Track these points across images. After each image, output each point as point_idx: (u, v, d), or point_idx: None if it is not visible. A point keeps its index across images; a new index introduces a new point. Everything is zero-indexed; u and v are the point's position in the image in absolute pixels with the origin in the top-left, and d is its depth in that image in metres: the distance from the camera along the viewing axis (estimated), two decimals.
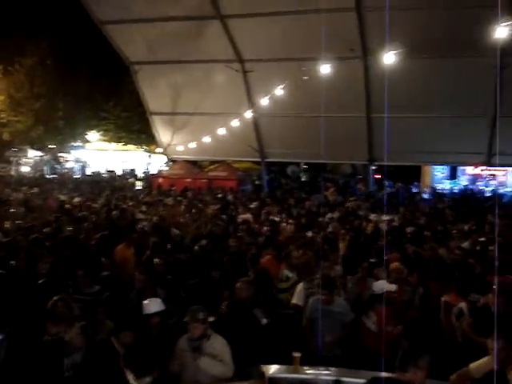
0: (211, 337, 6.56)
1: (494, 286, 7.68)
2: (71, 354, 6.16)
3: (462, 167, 32.15)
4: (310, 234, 13.01)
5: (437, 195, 26.97)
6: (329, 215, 16.24)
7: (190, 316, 6.52)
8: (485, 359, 5.99)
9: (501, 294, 7.33)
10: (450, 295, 7.98)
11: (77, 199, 20.14)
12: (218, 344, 6.55)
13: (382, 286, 8.03)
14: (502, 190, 29.47)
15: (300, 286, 8.88)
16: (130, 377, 6.01)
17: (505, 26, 10.59)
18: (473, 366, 5.99)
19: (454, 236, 12.84)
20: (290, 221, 15.20)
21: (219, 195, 22.82)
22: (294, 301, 8.81)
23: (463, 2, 18.68)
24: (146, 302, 7.24)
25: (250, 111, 23.57)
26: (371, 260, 9.89)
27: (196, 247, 11.18)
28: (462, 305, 7.63)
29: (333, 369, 6.49)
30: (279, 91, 20.62)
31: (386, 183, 29.34)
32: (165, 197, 22.01)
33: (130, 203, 19.21)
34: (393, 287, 8.06)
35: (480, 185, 30.52)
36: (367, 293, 8.78)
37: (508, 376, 5.57)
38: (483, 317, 6.97)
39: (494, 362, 5.76)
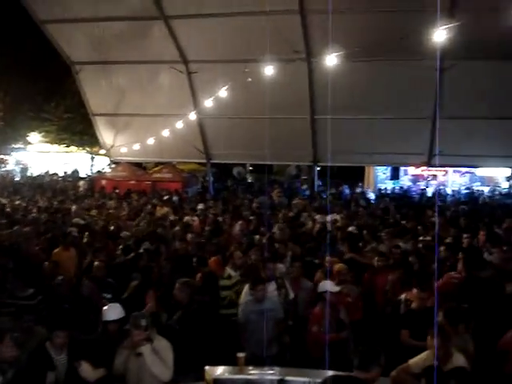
0: (155, 340, 6.52)
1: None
2: (5, 371, 5.84)
3: (403, 168, 32.80)
4: (256, 235, 13.04)
5: (379, 195, 27.42)
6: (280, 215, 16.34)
7: (132, 323, 6.45)
8: (423, 355, 6.16)
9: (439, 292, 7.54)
10: (410, 292, 8.15)
11: (17, 202, 19.66)
12: (161, 346, 6.51)
13: (329, 286, 8.12)
14: (442, 190, 30.20)
15: (246, 287, 8.89)
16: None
17: (444, 29, 10.82)
18: (412, 361, 6.15)
19: (394, 235, 13.04)
20: (240, 222, 15.18)
21: (165, 197, 22.61)
22: (241, 301, 8.84)
23: (404, 5, 19.10)
24: (105, 308, 7.14)
25: (195, 112, 23.47)
26: (306, 259, 10.03)
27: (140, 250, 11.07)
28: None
29: (277, 368, 6.53)
30: (224, 92, 20.61)
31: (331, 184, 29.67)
32: (108, 199, 21.69)
33: (72, 206, 18.86)
34: (336, 288, 8.14)
35: (421, 185, 31.20)
36: (302, 293, 8.89)
37: (443, 371, 5.73)
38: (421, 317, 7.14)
39: (432, 357, 5.94)
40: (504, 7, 10.88)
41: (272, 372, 6.46)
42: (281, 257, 10.41)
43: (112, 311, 7.06)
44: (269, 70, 17.08)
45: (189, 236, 12.49)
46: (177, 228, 13.86)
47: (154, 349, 6.42)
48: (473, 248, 11.06)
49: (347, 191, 29.23)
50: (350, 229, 13.62)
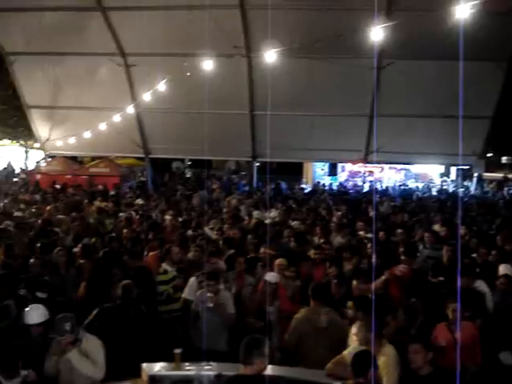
0: (84, 339, 6.38)
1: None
2: None
3: (341, 164, 33.26)
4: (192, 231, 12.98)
5: (317, 191, 27.69)
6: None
7: (56, 328, 6.27)
8: (356, 344, 6.27)
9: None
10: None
11: None
12: (91, 345, 6.39)
13: (274, 276, 8.27)
14: (378, 186, 30.78)
15: (192, 280, 8.86)
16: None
17: (381, 27, 10.98)
18: (346, 352, 6.26)
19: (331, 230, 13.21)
20: (179, 218, 15.08)
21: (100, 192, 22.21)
22: (184, 295, 8.81)
23: (343, 4, 19.37)
24: (27, 310, 6.79)
25: (133, 106, 23.13)
26: (249, 256, 10.05)
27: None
28: None
29: (214, 364, 6.51)
30: (162, 86, 20.37)
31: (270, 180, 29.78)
32: (43, 194, 21.14)
33: (6, 200, 18.35)
34: (274, 279, 8.27)
35: (358, 181, 31.69)
36: (245, 289, 8.91)
37: (378, 361, 5.84)
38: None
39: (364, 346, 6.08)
40: (439, 8, 11.11)
41: (209, 367, 6.44)
42: (220, 252, 10.38)
43: (34, 314, 6.71)
44: (208, 65, 16.97)
45: (125, 231, 12.30)
46: (115, 222, 13.67)
47: (83, 350, 6.28)
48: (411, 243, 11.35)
49: (284, 187, 29.41)
50: (293, 223, 13.72)
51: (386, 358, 6.05)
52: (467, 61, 19.70)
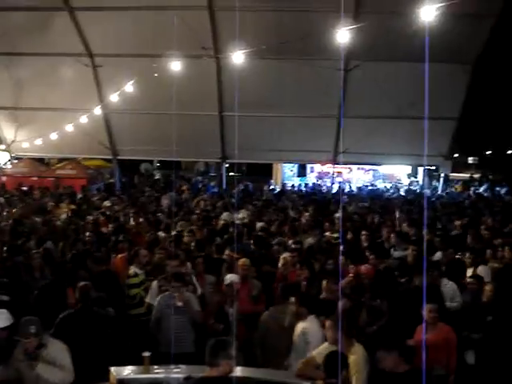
0: (49, 344, 6.29)
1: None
2: None
3: (310, 165, 33.40)
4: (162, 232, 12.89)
5: (287, 192, 27.76)
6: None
7: (22, 331, 6.16)
8: (325, 344, 6.29)
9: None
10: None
11: None
12: (56, 350, 6.29)
13: (235, 277, 8.23)
14: (346, 187, 30.97)
15: (154, 284, 8.82)
16: None
17: (347, 29, 11.04)
18: (316, 352, 6.28)
19: (304, 230, 13.26)
20: (141, 219, 14.97)
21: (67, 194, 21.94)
22: (148, 299, 8.75)
23: (310, 5, 19.48)
24: None
25: (100, 107, 22.91)
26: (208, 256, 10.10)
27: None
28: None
29: (183, 366, 6.48)
30: (130, 87, 20.23)
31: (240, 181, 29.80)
32: (9, 196, 20.82)
33: None
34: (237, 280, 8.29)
35: (327, 182, 31.83)
36: (206, 289, 8.93)
37: (348, 360, 5.87)
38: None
39: (334, 346, 6.10)
40: (406, 10, 11.23)
41: (178, 370, 6.41)
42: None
43: None
44: (176, 66, 16.89)
45: (87, 234, 12.14)
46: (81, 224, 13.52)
47: (49, 357, 6.19)
48: (378, 244, 11.45)
49: (250, 188, 29.44)
50: (259, 225, 13.73)
51: (355, 358, 6.07)
52: (433, 63, 20.07)
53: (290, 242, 11.61)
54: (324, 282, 8.20)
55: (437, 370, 6.70)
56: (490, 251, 10.61)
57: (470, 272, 9.44)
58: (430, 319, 6.96)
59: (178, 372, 6.38)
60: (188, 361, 6.67)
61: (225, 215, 15.49)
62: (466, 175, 44.34)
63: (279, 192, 27.60)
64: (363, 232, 12.30)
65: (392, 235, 12.08)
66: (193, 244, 11.30)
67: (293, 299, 7.31)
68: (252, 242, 11.54)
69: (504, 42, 37.61)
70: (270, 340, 7.44)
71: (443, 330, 7.04)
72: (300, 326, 6.92)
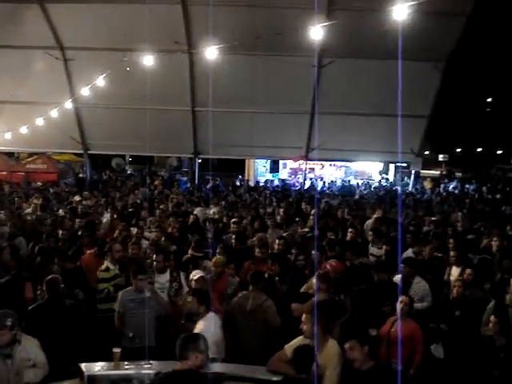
0: (22, 340, 6.21)
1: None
2: None
3: (283, 161, 33.46)
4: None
5: (259, 188, 27.77)
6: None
7: None
8: (298, 338, 6.30)
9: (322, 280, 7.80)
10: None
11: None
12: (29, 347, 6.22)
13: (198, 275, 8.18)
14: (318, 183, 31.10)
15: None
16: None
17: (321, 26, 11.09)
18: (287, 346, 6.28)
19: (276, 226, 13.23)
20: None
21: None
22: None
23: (284, 2, 19.49)
24: None
25: (71, 101, 22.64)
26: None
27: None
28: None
29: (154, 362, 6.43)
30: (102, 81, 20.02)
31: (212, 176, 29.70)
32: None
33: None
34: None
35: (299, 178, 31.89)
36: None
37: (318, 355, 5.88)
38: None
39: (305, 340, 6.12)
40: (379, 8, 11.30)
41: (148, 366, 6.37)
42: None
43: None
44: (148, 60, 16.77)
45: (60, 232, 11.97)
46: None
47: (23, 352, 6.11)
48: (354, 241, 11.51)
49: (221, 184, 29.38)
50: (232, 221, 13.67)
51: (329, 354, 6.08)
52: (406, 60, 20.32)
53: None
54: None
55: (393, 365, 6.77)
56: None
57: (456, 271, 9.34)
58: (401, 311, 7.04)
59: (148, 368, 6.33)
60: (153, 355, 6.63)
61: (197, 210, 15.41)
62: (437, 172, 44.87)
63: (251, 188, 27.58)
64: (350, 229, 12.32)
65: (370, 233, 12.15)
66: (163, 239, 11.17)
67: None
68: (234, 237, 11.47)
69: (476, 41, 38.15)
70: (235, 324, 7.65)
71: (410, 325, 7.11)
72: (199, 326, 6.85)
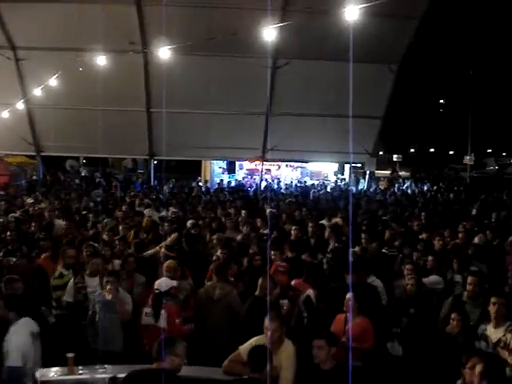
0: None
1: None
2: None
3: (239, 162, 33.46)
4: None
5: (216, 189, 27.70)
6: None
7: None
8: (253, 340, 6.31)
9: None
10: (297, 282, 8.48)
11: None
12: None
13: (166, 282, 8.00)
14: (275, 184, 31.17)
15: (70, 283, 8.62)
16: None
17: (275, 27, 11.11)
18: (242, 347, 6.29)
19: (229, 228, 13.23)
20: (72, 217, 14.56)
21: None
22: (65, 297, 8.56)
23: (238, 2, 19.51)
24: None
25: (23, 102, 22.18)
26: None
27: None
28: (310, 292, 8.14)
29: (109, 366, 6.37)
30: (54, 82, 19.67)
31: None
32: None
33: None
34: (174, 283, 8.10)
35: (256, 179, 31.93)
36: (137, 288, 8.80)
37: (274, 356, 5.90)
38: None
39: (263, 341, 6.12)
40: (333, 10, 11.40)
41: (103, 370, 6.30)
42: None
43: None
44: (101, 61, 16.57)
45: (8, 234, 11.70)
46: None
47: None
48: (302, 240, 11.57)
49: (176, 185, 29.22)
50: (190, 222, 13.62)
51: (284, 354, 6.12)
52: (359, 62, 20.53)
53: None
54: (260, 280, 8.16)
55: (354, 362, 6.84)
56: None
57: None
58: (348, 308, 7.13)
59: (103, 372, 6.27)
60: (115, 360, 6.57)
61: (148, 212, 15.23)
62: (387, 172, 45.51)
63: (208, 189, 27.50)
64: (310, 225, 12.39)
65: (328, 230, 12.26)
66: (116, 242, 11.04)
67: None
68: (184, 239, 11.38)
69: (428, 43, 38.92)
70: (202, 312, 8.14)
71: (361, 322, 7.19)
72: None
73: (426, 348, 7.07)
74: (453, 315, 6.88)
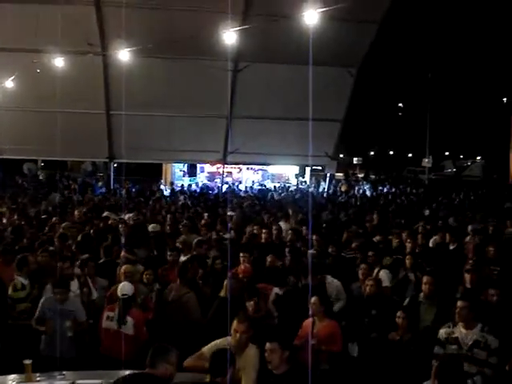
0: None
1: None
2: None
3: (200, 165, 33.39)
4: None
5: (177, 192, 27.57)
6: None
7: None
8: (217, 341, 6.29)
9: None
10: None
11: None
12: None
13: (129, 287, 7.89)
14: (236, 186, 31.21)
15: (42, 300, 8.44)
16: None
17: (236, 31, 11.15)
18: (206, 348, 6.26)
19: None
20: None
21: None
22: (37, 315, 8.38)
23: (199, 5, 19.47)
24: None
25: None
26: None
27: None
28: (277, 290, 8.25)
29: (67, 372, 6.27)
30: (11, 83, 19.32)
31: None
32: None
33: None
34: (132, 287, 8.01)
35: (217, 182, 31.91)
36: (99, 292, 8.70)
37: (238, 358, 5.89)
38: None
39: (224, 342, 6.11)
40: (293, 14, 11.49)
41: (62, 376, 6.20)
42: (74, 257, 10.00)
43: None
44: (59, 62, 16.34)
45: None
46: None
47: None
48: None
49: (136, 188, 28.99)
50: (151, 226, 13.50)
51: (248, 357, 6.10)
52: (319, 66, 20.67)
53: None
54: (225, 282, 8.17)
55: (321, 365, 6.88)
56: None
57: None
58: (314, 312, 7.16)
59: (62, 379, 6.16)
60: (70, 366, 6.47)
61: (106, 215, 15.05)
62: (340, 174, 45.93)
63: (170, 193, 27.37)
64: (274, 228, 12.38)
65: (289, 232, 12.26)
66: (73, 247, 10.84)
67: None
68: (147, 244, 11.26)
69: (387, 47, 39.44)
70: (161, 312, 8.12)
71: (329, 325, 7.23)
72: None
73: (382, 349, 7.16)
74: (398, 313, 6.96)
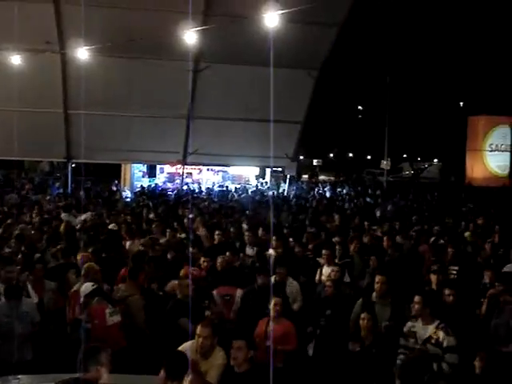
0: None
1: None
2: None
3: (160, 166, 33.14)
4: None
5: (136, 193, 27.35)
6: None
7: None
8: (186, 344, 6.24)
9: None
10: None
11: None
12: None
13: (87, 289, 7.85)
14: (195, 187, 31.09)
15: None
16: None
17: (195, 31, 11.11)
18: (181, 348, 6.21)
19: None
20: None
21: None
22: None
23: (159, 5, 19.36)
24: None
25: None
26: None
27: None
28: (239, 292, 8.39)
29: (22, 376, 6.16)
30: None
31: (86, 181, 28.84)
32: None
33: None
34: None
35: (177, 183, 31.73)
36: (47, 294, 8.58)
37: (203, 362, 5.88)
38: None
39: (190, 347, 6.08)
40: (254, 15, 11.50)
41: (16, 381, 6.08)
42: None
43: None
44: (16, 60, 16.06)
45: None
46: None
47: None
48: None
49: (99, 189, 28.68)
50: (110, 226, 13.38)
51: (214, 360, 6.09)
52: (280, 68, 20.74)
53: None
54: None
55: (276, 364, 6.90)
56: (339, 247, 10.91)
57: (327, 271, 9.37)
58: (274, 312, 7.20)
59: (17, 383, 6.04)
60: (26, 369, 6.36)
61: (64, 216, 14.83)
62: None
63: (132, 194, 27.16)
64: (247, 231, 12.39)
65: (246, 233, 12.27)
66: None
67: None
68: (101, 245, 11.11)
69: (348, 50, 39.85)
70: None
71: (284, 324, 7.27)
72: None
73: (338, 349, 7.22)
74: (362, 315, 7.01)
